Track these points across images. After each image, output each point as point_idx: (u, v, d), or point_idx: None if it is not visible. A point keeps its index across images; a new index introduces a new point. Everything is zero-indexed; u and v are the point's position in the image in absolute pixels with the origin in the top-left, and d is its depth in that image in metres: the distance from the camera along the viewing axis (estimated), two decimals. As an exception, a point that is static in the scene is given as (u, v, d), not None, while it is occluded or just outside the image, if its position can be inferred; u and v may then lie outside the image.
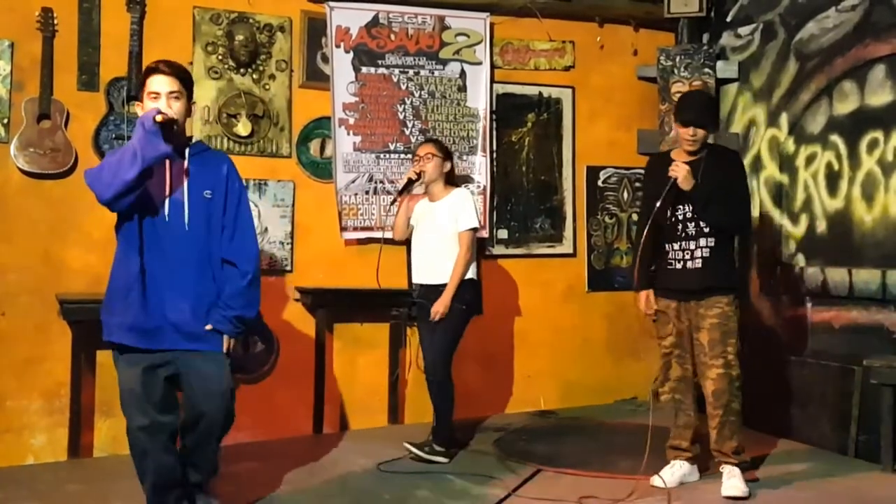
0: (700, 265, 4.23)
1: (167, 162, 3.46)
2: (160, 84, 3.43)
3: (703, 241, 4.24)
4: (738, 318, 4.29)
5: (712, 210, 4.18)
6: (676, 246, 4.29)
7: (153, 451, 3.43)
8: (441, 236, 4.75)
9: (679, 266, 4.28)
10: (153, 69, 3.48)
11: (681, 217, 4.27)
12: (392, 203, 4.87)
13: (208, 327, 3.51)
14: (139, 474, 3.51)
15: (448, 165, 4.87)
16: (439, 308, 4.66)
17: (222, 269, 3.57)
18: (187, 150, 3.56)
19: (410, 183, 4.81)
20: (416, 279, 4.88)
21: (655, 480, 4.26)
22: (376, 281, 4.83)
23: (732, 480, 4.17)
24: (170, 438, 3.50)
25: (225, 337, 3.55)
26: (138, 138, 3.30)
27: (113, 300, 3.49)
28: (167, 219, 3.47)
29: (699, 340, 4.26)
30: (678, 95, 5.98)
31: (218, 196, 3.56)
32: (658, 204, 4.19)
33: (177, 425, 3.52)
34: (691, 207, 4.23)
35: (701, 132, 4.21)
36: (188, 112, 3.54)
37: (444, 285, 4.68)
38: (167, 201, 3.47)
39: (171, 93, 3.43)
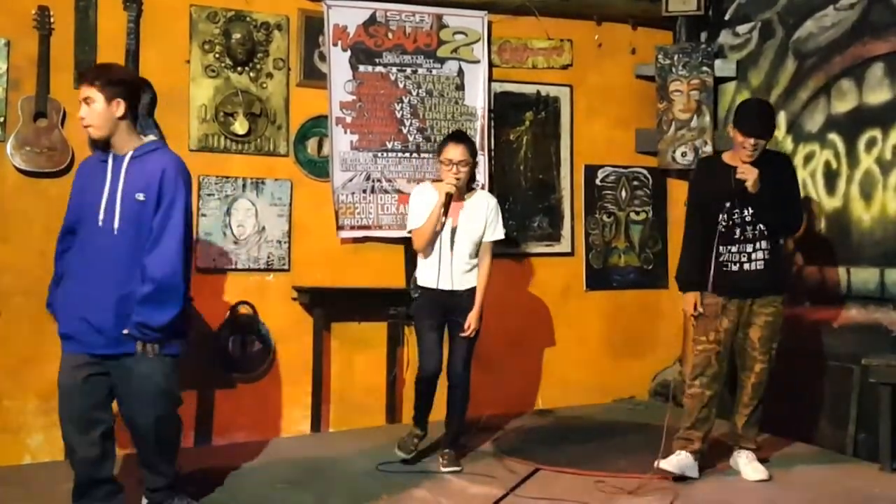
0: (761, 267, 4.34)
1: (109, 166, 3.53)
2: (82, 92, 3.51)
3: (762, 244, 4.34)
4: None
5: (773, 212, 4.30)
6: (734, 249, 4.36)
7: (79, 445, 3.51)
8: (465, 241, 4.50)
9: (735, 268, 4.37)
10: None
11: (738, 221, 4.35)
12: (442, 228, 4.43)
13: (125, 332, 3.46)
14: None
15: (475, 165, 4.63)
16: (474, 323, 4.48)
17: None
18: (130, 153, 3.55)
19: (450, 198, 4.43)
20: (429, 283, 4.52)
21: (660, 463, 4.31)
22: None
23: (755, 465, 4.42)
24: (102, 436, 3.54)
25: (137, 342, 3.46)
26: None
27: (57, 307, 3.64)
28: (101, 223, 3.50)
29: (749, 336, 4.42)
30: (676, 94, 6.06)
31: (150, 199, 3.50)
32: (728, 204, 4.30)
33: (111, 424, 3.59)
34: (751, 211, 4.31)
35: (762, 143, 4.28)
36: (110, 114, 3.50)
37: (461, 291, 4.49)
38: (103, 205, 3.50)
39: (85, 98, 3.50)
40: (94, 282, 3.47)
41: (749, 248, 4.34)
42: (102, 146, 3.58)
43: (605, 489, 4.21)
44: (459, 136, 4.61)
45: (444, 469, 4.52)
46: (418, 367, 4.64)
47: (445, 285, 4.50)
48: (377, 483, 4.32)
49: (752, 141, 4.24)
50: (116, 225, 3.48)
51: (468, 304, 4.52)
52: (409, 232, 4.63)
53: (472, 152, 4.53)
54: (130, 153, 3.55)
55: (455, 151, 4.45)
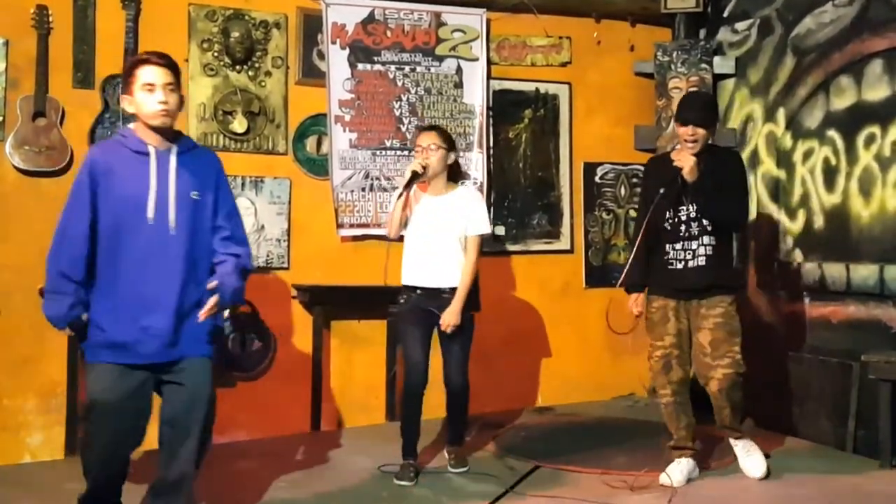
0: (703, 263, 4.24)
1: (153, 160, 3.31)
2: (155, 75, 3.26)
3: (705, 240, 4.24)
4: (740, 317, 4.32)
5: (713, 203, 4.19)
6: (678, 246, 4.28)
7: (113, 468, 3.30)
8: (446, 236, 4.38)
9: (680, 266, 4.28)
10: (143, 60, 3.32)
11: (683, 217, 4.26)
12: (399, 198, 4.36)
13: (211, 284, 3.33)
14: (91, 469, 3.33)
15: (452, 157, 4.49)
16: (452, 320, 4.29)
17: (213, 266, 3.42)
18: (175, 148, 3.37)
19: (416, 177, 4.35)
20: (412, 281, 4.42)
21: (663, 479, 4.25)
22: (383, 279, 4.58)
23: (754, 457, 4.37)
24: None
25: (214, 298, 3.32)
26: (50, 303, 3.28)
27: (97, 314, 3.28)
28: (152, 221, 3.28)
29: (699, 341, 4.29)
30: (675, 91, 6.05)
31: (206, 197, 3.39)
32: (662, 190, 4.17)
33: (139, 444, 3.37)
34: (694, 206, 4.23)
35: (701, 132, 4.19)
36: (181, 105, 3.40)
37: (448, 290, 4.36)
38: (152, 202, 3.28)
39: (167, 84, 3.28)
40: (152, 283, 3.25)
41: (693, 244, 4.25)
42: (137, 142, 3.32)
43: (604, 486, 4.21)
44: (430, 126, 4.80)
45: (452, 469, 4.50)
46: (404, 379, 4.51)
47: (413, 280, 4.40)
48: (377, 482, 4.33)
49: (689, 130, 4.17)
50: (172, 223, 3.29)
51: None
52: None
53: (446, 139, 4.48)
54: (176, 148, 3.37)
55: (424, 137, 4.46)
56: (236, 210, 3.55)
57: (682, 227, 4.27)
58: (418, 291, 4.41)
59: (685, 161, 4.15)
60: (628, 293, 4.44)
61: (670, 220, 4.29)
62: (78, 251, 3.27)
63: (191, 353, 3.34)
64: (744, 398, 4.36)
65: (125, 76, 3.39)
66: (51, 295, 3.28)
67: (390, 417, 5.56)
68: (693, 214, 4.25)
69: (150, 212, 3.27)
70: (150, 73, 3.27)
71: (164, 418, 3.35)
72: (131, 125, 3.43)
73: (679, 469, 4.29)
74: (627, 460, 4.60)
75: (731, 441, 4.47)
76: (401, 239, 4.54)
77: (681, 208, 4.26)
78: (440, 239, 4.40)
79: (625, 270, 4.36)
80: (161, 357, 3.28)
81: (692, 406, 4.40)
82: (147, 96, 3.27)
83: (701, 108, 4.28)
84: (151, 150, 3.32)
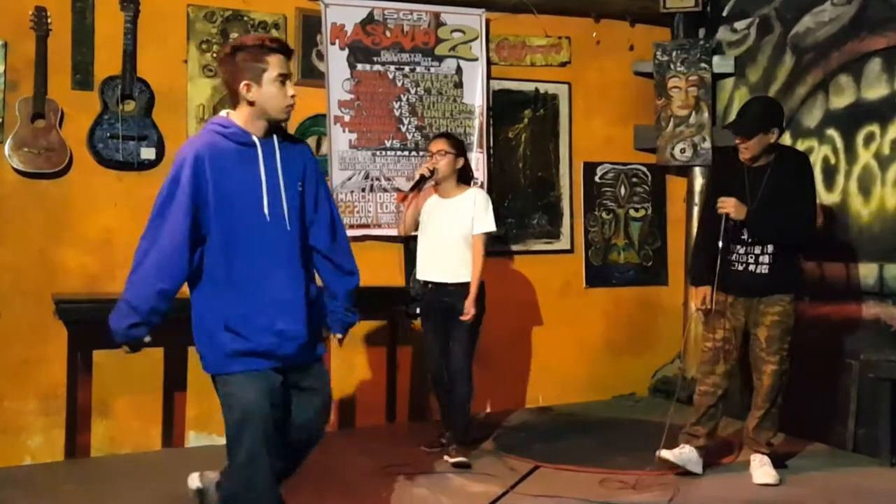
0: (766, 271, 4.26)
1: (259, 150, 3.04)
2: (288, 66, 3.04)
3: (769, 248, 4.27)
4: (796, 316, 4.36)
5: (769, 231, 4.23)
6: (742, 250, 4.31)
7: (272, 482, 3.14)
8: (453, 235, 4.64)
9: (741, 268, 4.31)
10: (275, 48, 3.01)
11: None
12: (403, 199, 4.65)
13: (339, 336, 3.37)
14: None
15: (461, 162, 4.74)
16: (471, 308, 4.54)
17: (323, 268, 3.27)
18: (276, 137, 3.10)
19: (423, 179, 4.68)
20: (422, 276, 4.76)
21: (662, 452, 4.29)
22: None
23: (764, 468, 4.33)
24: None
25: (337, 336, 3.37)
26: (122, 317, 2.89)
27: (231, 321, 2.97)
28: (268, 218, 3.02)
29: (757, 336, 4.33)
30: (675, 90, 6.06)
31: (308, 188, 3.16)
32: (720, 244, 4.25)
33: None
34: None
35: (748, 141, 4.21)
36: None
37: (454, 285, 4.60)
38: (265, 197, 3.03)
39: (290, 76, 3.08)
40: (280, 285, 3.02)
41: (757, 249, 4.27)
42: (241, 133, 3.02)
43: (605, 486, 4.21)
44: (442, 133, 5.04)
45: (450, 460, 4.55)
46: (428, 369, 4.91)
47: (423, 276, 4.74)
48: (377, 482, 4.33)
49: (736, 140, 4.26)
50: (287, 219, 3.06)
51: (463, 298, 4.56)
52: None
53: (455, 146, 4.74)
54: (276, 137, 3.10)
55: (434, 144, 4.78)
56: (332, 201, 3.32)
57: (746, 230, 4.29)
58: (430, 286, 4.73)
59: (727, 207, 4.19)
60: (694, 286, 4.50)
61: (733, 221, 4.29)
62: (170, 264, 2.92)
63: (318, 354, 3.24)
64: (782, 411, 4.40)
65: (250, 62, 3.00)
66: (122, 303, 2.91)
67: (390, 418, 5.56)
68: None
69: (266, 208, 3.02)
70: (284, 64, 3.03)
71: (294, 422, 3.16)
72: (223, 113, 3.12)
73: (680, 452, 4.33)
74: (627, 460, 4.60)
75: (752, 455, 4.42)
76: (413, 238, 4.86)
77: None
78: (447, 238, 4.67)
79: (696, 265, 4.54)
80: (299, 358, 3.10)
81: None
82: (279, 88, 3.01)
83: (747, 118, 4.27)
84: (257, 141, 3.05)
